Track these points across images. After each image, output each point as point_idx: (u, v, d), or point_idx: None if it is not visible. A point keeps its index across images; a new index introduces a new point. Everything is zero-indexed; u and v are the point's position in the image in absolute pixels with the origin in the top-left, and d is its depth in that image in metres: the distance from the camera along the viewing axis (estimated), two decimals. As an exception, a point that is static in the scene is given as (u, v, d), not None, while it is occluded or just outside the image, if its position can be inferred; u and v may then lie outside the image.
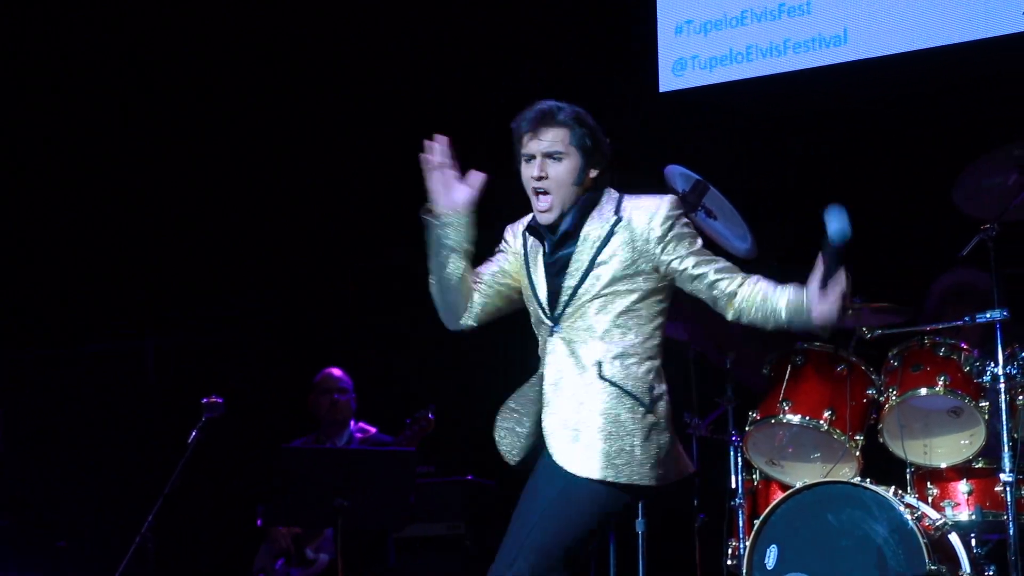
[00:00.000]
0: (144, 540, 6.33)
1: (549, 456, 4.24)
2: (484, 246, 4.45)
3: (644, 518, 5.86)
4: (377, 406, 7.82)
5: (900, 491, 5.98)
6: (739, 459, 6.41)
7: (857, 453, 6.23)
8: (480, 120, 8.70)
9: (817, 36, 7.83)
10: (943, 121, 7.53)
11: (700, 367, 6.70)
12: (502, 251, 4.49)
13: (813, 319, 4.18)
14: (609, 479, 4.15)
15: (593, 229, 4.30)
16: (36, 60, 9.28)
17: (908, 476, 6.26)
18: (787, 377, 6.22)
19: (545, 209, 4.31)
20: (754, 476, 6.41)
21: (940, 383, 6.16)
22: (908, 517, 5.73)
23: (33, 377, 9.18)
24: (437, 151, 4.30)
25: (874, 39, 7.69)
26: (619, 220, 4.29)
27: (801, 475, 6.25)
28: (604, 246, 4.27)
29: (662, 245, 4.27)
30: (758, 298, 4.27)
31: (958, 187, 6.12)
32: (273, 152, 9.12)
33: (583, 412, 4.21)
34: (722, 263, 4.33)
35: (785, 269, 5.66)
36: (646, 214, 4.28)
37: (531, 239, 4.41)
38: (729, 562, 6.21)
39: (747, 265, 4.43)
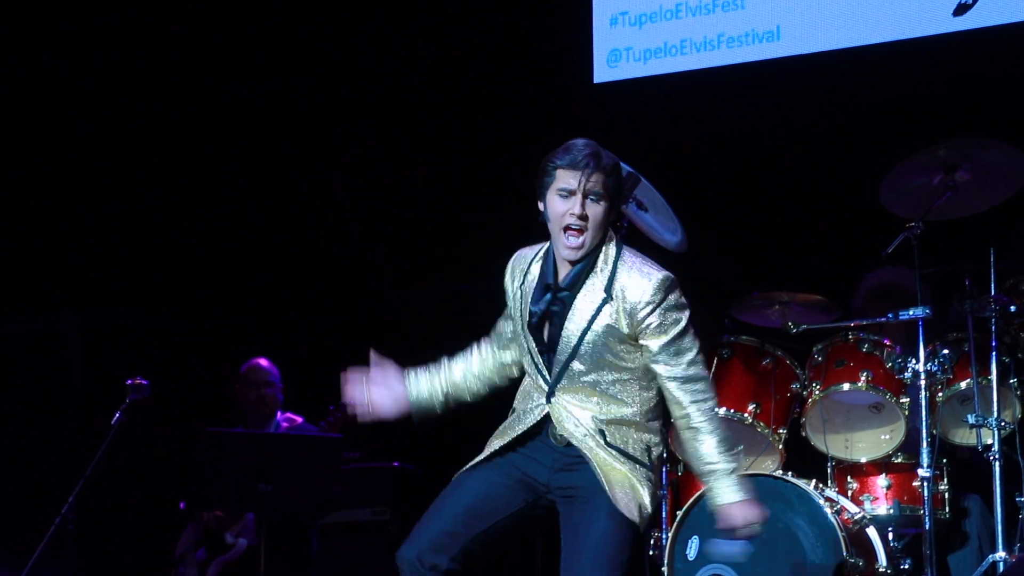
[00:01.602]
0: (64, 522, 6.30)
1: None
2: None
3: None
4: (302, 392, 7.81)
5: (821, 485, 6.08)
6: (663, 451, 6.48)
7: (780, 446, 6.33)
8: (416, 110, 8.78)
9: (751, 31, 7.86)
10: (872, 119, 7.60)
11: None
12: (506, 310, 4.59)
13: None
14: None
15: (585, 300, 4.34)
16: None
17: (829, 470, 6.36)
18: (713, 370, 6.24)
19: (577, 246, 4.32)
20: (678, 468, 6.47)
21: (863, 379, 6.26)
22: (827, 511, 5.83)
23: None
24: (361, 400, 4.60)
25: (806, 36, 7.73)
26: (606, 300, 4.32)
27: (724, 467, 6.33)
28: (593, 321, 4.33)
29: (644, 328, 4.32)
30: (689, 444, 4.37)
31: (884, 186, 6.19)
32: (206, 132, 9.06)
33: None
34: (691, 384, 4.36)
35: (718, 261, 5.80)
36: (635, 292, 4.32)
37: (529, 280, 4.46)
38: (651, 552, 6.28)
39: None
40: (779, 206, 7.83)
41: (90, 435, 6.72)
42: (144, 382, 6.55)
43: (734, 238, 7.73)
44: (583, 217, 4.29)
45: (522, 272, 4.50)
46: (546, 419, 4.38)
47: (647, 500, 4.33)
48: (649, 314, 4.29)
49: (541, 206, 4.40)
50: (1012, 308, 6.13)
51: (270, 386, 7.51)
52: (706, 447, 4.30)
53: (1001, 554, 5.89)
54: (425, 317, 8.31)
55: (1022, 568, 3.73)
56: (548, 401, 4.38)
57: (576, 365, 4.34)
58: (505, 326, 4.62)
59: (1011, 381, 6.17)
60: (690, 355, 4.33)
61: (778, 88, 7.86)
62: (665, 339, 4.30)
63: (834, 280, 6.90)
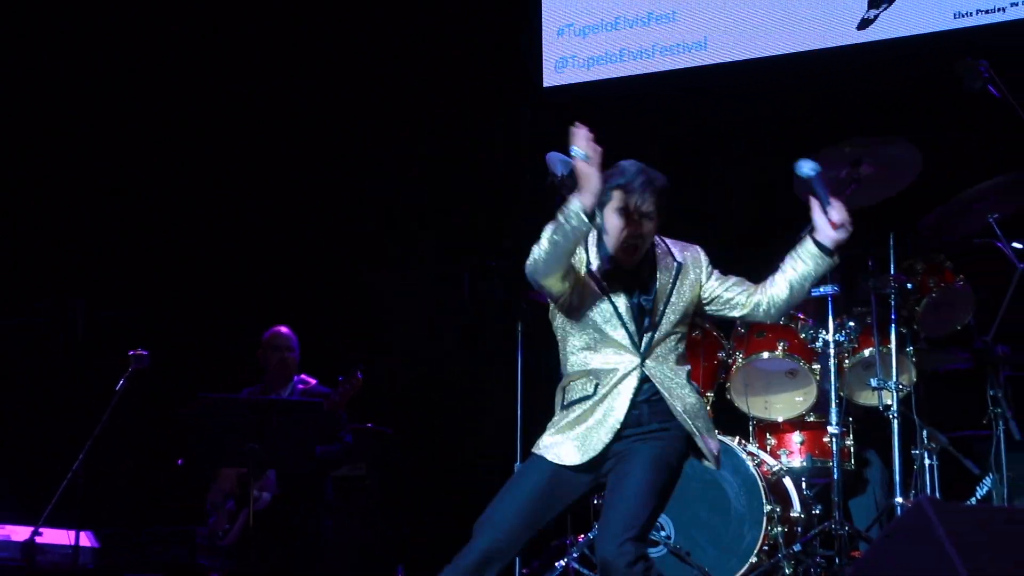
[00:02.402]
0: (75, 477, 6.31)
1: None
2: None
3: (522, 462, 5.96)
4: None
5: (743, 441, 6.17)
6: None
7: (708, 408, 6.37)
8: (380, 115, 8.79)
9: (681, 42, 7.90)
10: (786, 119, 7.63)
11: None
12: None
13: (830, 238, 4.42)
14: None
15: (663, 278, 4.47)
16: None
17: (751, 428, 6.45)
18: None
19: (635, 259, 4.41)
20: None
21: (780, 348, 6.35)
22: (749, 464, 5.92)
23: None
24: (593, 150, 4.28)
25: (730, 46, 7.79)
26: (680, 266, 4.49)
27: (659, 427, 6.40)
28: (674, 288, 4.47)
29: (709, 281, 4.53)
30: (773, 293, 4.53)
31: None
32: (210, 111, 8.98)
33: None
34: (741, 282, 4.59)
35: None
36: (697, 259, 4.55)
37: (598, 265, 4.47)
38: (596, 501, 6.32)
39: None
40: (706, 196, 7.89)
41: (97, 401, 6.71)
42: (144, 353, 6.56)
43: (666, 221, 7.78)
44: (638, 236, 4.37)
45: (587, 254, 4.49)
46: (636, 386, 4.38)
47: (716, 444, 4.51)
48: (709, 267, 4.54)
49: (597, 219, 4.38)
50: (909, 286, 6.22)
51: (290, 351, 7.52)
52: (787, 271, 4.50)
53: (898, 500, 5.99)
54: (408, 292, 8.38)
55: (914, 515, 3.82)
56: (642, 365, 4.39)
57: (663, 331, 4.44)
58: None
59: (908, 349, 6.26)
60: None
61: (705, 92, 7.89)
62: (721, 278, 4.55)
63: (754, 260, 6.97)
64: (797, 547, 5.85)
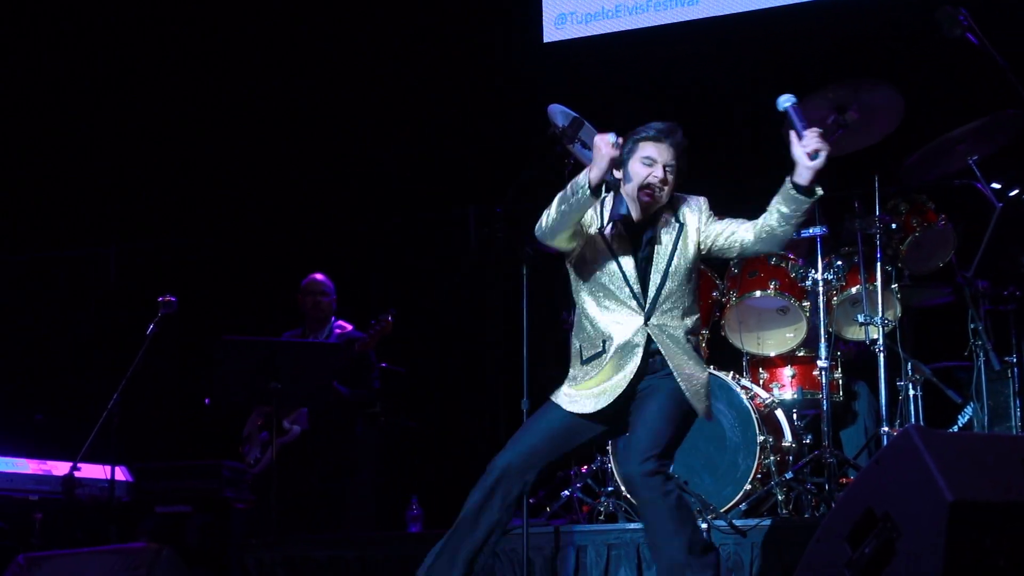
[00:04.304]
0: (110, 415, 6.31)
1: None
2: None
3: (528, 399, 5.95)
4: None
5: (737, 375, 6.13)
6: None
7: (703, 345, 6.36)
8: (380, 74, 8.73)
9: (674, -3, 7.87)
10: (775, 68, 7.59)
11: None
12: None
13: (807, 167, 4.26)
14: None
15: (667, 239, 4.48)
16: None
17: (744, 363, 6.42)
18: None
19: (657, 200, 4.44)
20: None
21: (771, 286, 6.30)
22: (743, 396, 5.89)
23: (10, 277, 9.04)
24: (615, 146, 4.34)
25: (721, 1, 7.72)
26: (682, 227, 4.49)
27: (657, 362, 6.37)
28: (675, 249, 4.47)
29: (707, 228, 4.51)
30: (761, 225, 4.47)
31: (785, 124, 6.18)
32: (241, 53, 8.94)
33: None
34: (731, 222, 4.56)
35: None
36: (700, 208, 4.54)
37: (609, 226, 4.49)
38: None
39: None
40: (700, 143, 7.82)
41: (130, 342, 6.70)
42: (172, 299, 6.54)
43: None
44: (664, 182, 4.42)
45: (598, 215, 4.52)
46: (643, 345, 4.44)
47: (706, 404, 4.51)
48: (708, 213, 4.54)
49: (618, 173, 4.45)
50: (893, 226, 6.18)
51: (325, 295, 7.54)
52: (770, 213, 4.42)
53: (885, 429, 5.97)
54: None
55: (902, 443, 3.79)
56: (645, 324, 4.44)
57: (665, 291, 4.46)
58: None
59: (893, 286, 6.22)
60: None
61: (696, 44, 7.85)
62: (717, 223, 4.52)
63: (747, 204, 6.91)
64: (789, 475, 5.83)
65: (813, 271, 6.16)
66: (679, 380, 4.43)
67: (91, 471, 6.76)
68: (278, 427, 6.92)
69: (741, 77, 7.72)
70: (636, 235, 4.51)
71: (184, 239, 8.85)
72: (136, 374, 6.36)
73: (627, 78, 7.97)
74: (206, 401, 7.23)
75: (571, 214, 4.35)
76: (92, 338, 8.78)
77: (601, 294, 4.50)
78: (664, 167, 4.43)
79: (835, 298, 6.26)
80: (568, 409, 4.51)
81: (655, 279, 4.46)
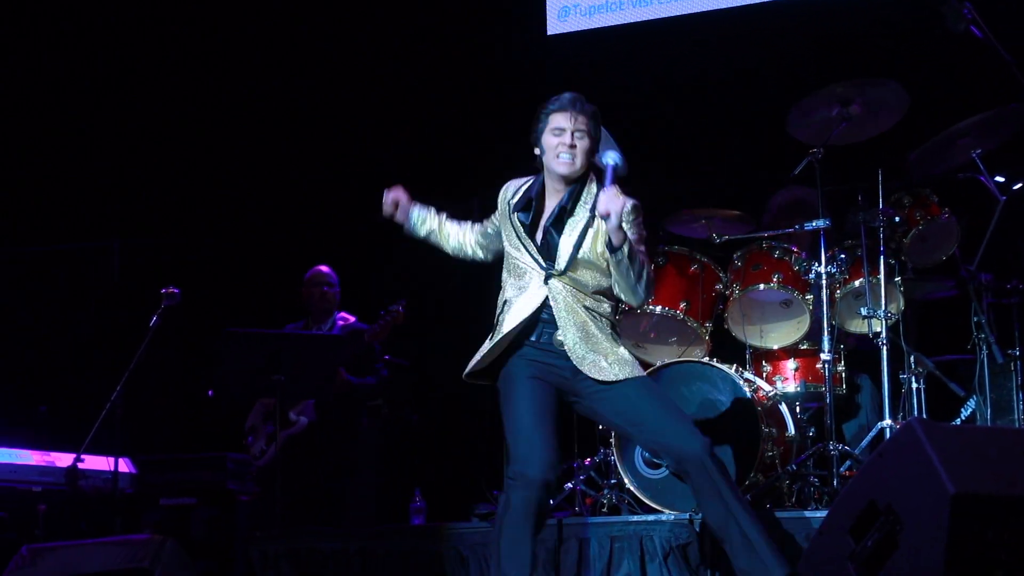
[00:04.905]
0: (113, 407, 6.33)
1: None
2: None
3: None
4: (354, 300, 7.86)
5: (740, 368, 6.11)
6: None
7: (707, 337, 6.36)
8: (384, 68, 8.73)
9: (677, -11, 7.86)
10: (779, 62, 7.60)
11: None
12: (493, 216, 4.87)
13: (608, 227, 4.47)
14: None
15: (582, 212, 4.61)
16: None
17: (747, 356, 6.39)
18: (651, 275, 6.29)
19: (569, 163, 4.62)
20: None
21: (775, 280, 6.29)
22: (746, 389, 5.87)
23: (14, 270, 9.05)
24: (391, 205, 4.95)
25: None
26: (591, 218, 4.58)
27: (660, 355, 6.37)
28: (589, 226, 4.58)
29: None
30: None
31: (791, 117, 6.19)
32: (244, 62, 8.96)
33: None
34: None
35: (654, 182, 5.75)
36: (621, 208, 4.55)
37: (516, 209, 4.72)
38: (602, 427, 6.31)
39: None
40: (704, 136, 7.84)
41: (133, 335, 6.71)
42: (176, 290, 6.55)
43: (667, 162, 7.74)
44: (573, 146, 4.59)
45: (514, 193, 4.76)
46: (541, 310, 4.62)
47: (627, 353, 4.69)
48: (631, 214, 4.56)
49: (537, 150, 4.68)
50: (896, 219, 6.16)
51: (329, 287, 7.55)
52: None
53: (888, 422, 5.96)
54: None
55: (904, 435, 3.80)
56: (546, 283, 4.62)
57: (577, 257, 4.59)
58: (488, 227, 4.93)
59: (896, 279, 6.20)
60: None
61: (701, 37, 7.84)
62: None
63: (751, 197, 6.93)
64: (792, 467, 5.82)
65: (816, 264, 6.14)
66: (573, 346, 4.58)
67: (95, 463, 6.78)
68: (283, 419, 6.94)
69: (745, 70, 7.71)
70: (546, 205, 4.69)
71: (187, 234, 8.85)
72: (140, 366, 6.38)
73: (631, 71, 7.96)
74: (209, 393, 7.25)
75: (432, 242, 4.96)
76: (96, 330, 8.79)
77: (509, 259, 4.75)
78: (572, 132, 4.59)
79: (838, 291, 6.25)
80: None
81: (563, 243, 4.61)
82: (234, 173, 8.90)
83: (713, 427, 5.82)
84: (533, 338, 4.66)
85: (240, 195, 8.90)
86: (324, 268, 7.61)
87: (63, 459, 6.82)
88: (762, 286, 6.30)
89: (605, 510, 6.01)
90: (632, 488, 5.86)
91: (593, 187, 4.66)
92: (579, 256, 4.60)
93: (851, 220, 6.22)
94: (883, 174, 6.09)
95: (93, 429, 6.26)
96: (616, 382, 4.63)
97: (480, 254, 5.03)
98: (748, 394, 5.85)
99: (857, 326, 6.32)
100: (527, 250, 4.66)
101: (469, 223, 5.05)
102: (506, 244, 4.77)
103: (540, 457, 4.51)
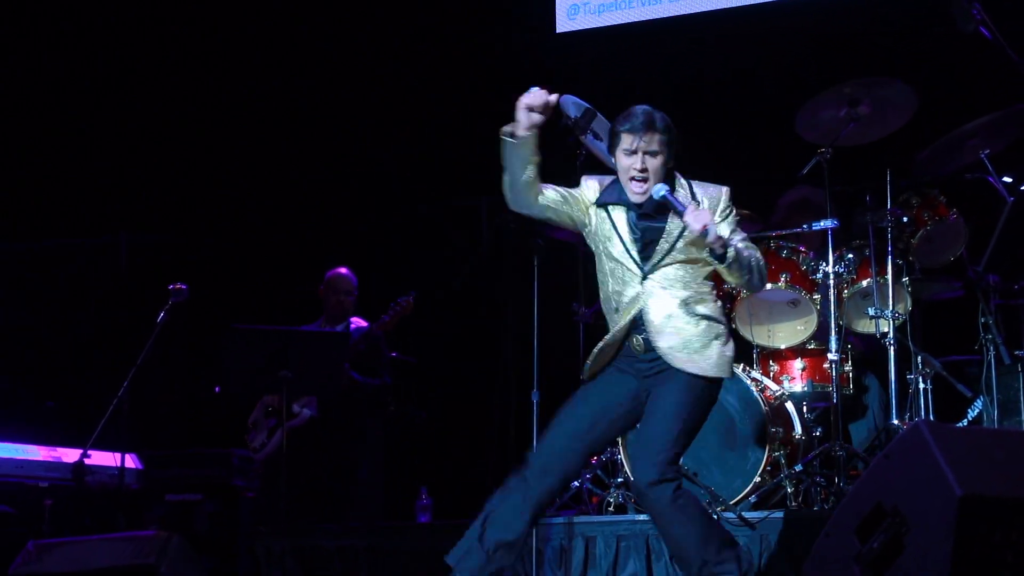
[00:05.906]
0: (120, 403, 6.33)
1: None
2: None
3: (538, 390, 5.97)
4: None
5: (747, 367, 6.13)
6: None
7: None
8: (392, 65, 8.73)
9: (687, -13, 7.85)
10: (790, 62, 7.59)
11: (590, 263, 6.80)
12: (573, 191, 4.68)
13: (706, 244, 4.44)
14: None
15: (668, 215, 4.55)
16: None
17: (754, 355, 6.39)
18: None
19: (641, 192, 4.54)
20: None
21: (782, 279, 6.29)
22: (753, 389, 5.89)
23: (21, 264, 9.06)
24: (535, 99, 4.52)
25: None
26: (698, 204, 4.55)
27: (668, 354, 6.37)
28: (680, 231, 4.53)
29: (721, 223, 4.55)
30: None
31: (800, 118, 6.20)
32: (256, 59, 8.95)
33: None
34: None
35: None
36: (714, 201, 4.60)
37: (613, 209, 4.62)
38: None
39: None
40: (714, 135, 7.83)
41: (140, 331, 6.72)
42: (183, 287, 6.56)
43: (675, 161, 7.72)
44: (643, 170, 4.51)
45: (597, 191, 4.65)
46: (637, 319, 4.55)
47: (724, 350, 4.60)
48: (728, 214, 4.61)
49: (613, 161, 4.62)
50: (904, 219, 6.17)
51: (348, 294, 7.55)
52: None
53: (895, 421, 5.98)
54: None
55: (911, 436, 3.80)
56: (641, 284, 4.55)
57: (672, 258, 4.55)
58: (569, 198, 4.65)
59: (903, 280, 6.20)
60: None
61: (711, 35, 7.83)
62: (740, 230, 4.64)
63: (759, 197, 6.93)
64: (799, 467, 5.82)
65: (824, 264, 6.15)
66: (669, 350, 4.51)
67: (101, 458, 6.78)
68: (287, 413, 6.96)
69: (754, 69, 7.70)
70: (640, 205, 4.58)
71: (194, 230, 8.86)
72: (146, 362, 6.38)
73: (640, 69, 7.95)
74: (216, 389, 7.26)
75: (509, 168, 4.55)
76: (103, 326, 8.80)
77: (605, 259, 4.65)
78: (643, 154, 4.52)
79: (846, 291, 6.25)
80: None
81: (659, 246, 4.55)
82: (242, 170, 8.90)
83: (720, 427, 5.85)
84: (628, 341, 4.62)
85: (247, 192, 8.90)
86: (344, 271, 7.59)
87: (70, 455, 6.83)
88: (770, 286, 6.28)
89: (612, 509, 6.01)
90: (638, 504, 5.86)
91: (681, 180, 4.62)
92: (673, 255, 4.56)
93: (859, 220, 6.23)
94: (891, 174, 6.10)
95: (100, 425, 6.26)
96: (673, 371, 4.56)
97: (535, 210, 4.68)
98: (755, 394, 5.86)
99: (864, 326, 6.33)
100: (627, 250, 4.58)
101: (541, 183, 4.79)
102: (598, 244, 4.66)
103: (542, 461, 4.58)
